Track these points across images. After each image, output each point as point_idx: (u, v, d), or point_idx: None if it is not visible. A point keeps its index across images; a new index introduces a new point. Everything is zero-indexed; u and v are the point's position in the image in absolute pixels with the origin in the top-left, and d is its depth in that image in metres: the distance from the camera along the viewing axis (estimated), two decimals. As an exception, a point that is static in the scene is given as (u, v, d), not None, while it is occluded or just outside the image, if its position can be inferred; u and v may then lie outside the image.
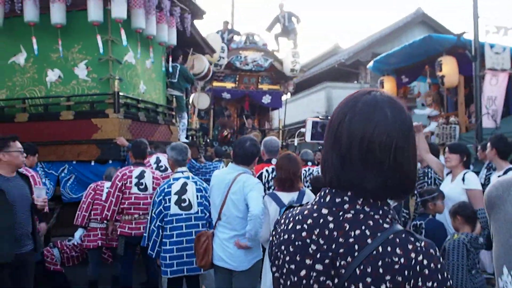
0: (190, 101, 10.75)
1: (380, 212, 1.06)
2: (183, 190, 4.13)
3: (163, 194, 4.12)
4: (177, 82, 8.08)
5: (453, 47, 8.85)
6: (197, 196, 4.12)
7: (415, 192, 3.92)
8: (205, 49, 9.28)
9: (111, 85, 6.22)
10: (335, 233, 1.05)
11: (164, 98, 7.79)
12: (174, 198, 4.09)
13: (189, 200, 4.10)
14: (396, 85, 11.25)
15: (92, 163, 6.05)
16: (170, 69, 7.97)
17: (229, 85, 12.75)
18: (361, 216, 1.05)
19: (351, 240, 1.03)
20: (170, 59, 7.93)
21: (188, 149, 4.56)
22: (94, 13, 6.00)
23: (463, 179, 3.90)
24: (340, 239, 1.04)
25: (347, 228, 1.05)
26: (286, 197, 3.41)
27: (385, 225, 1.05)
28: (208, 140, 12.03)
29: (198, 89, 11.54)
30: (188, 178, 4.25)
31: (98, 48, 6.24)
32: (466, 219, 3.51)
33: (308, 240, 1.08)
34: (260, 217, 3.32)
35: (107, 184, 5.11)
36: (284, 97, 13.91)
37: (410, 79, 10.97)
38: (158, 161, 5.66)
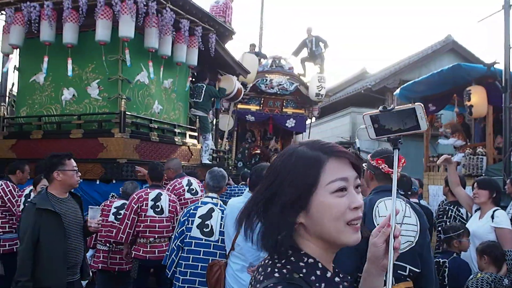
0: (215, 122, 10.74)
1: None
2: (208, 215, 4.07)
3: (188, 215, 4.09)
4: (201, 102, 8.04)
5: (482, 77, 8.66)
6: (220, 224, 4.03)
7: (438, 228, 3.76)
8: (236, 70, 9.22)
9: (119, 105, 6.27)
10: None
11: (186, 119, 7.77)
12: (197, 221, 4.04)
13: (211, 226, 4.03)
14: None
15: (97, 182, 6.07)
16: (188, 88, 7.95)
17: (253, 107, 12.74)
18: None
19: None
20: (190, 79, 7.91)
21: (226, 177, 4.44)
22: (101, 33, 6.10)
23: (492, 217, 3.73)
24: None
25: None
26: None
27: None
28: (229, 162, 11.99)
29: (221, 110, 11.50)
30: (216, 205, 4.19)
31: (116, 68, 6.38)
32: (494, 260, 3.35)
33: None
34: None
35: (116, 203, 5.07)
36: (308, 121, 13.83)
37: (438, 107, 10.77)
38: (189, 183, 5.62)
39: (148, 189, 4.82)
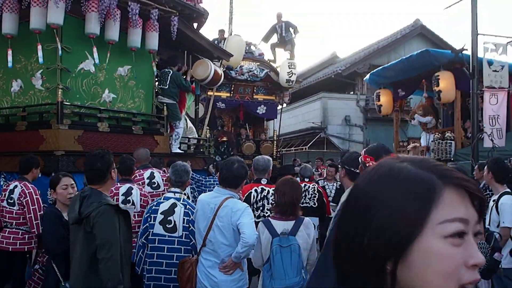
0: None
1: None
2: (170, 210, 3.94)
3: (150, 211, 3.96)
4: (168, 89, 7.70)
5: (450, 62, 8.77)
6: (183, 219, 3.89)
7: None
8: (213, 53, 8.87)
9: (57, 95, 6.03)
10: None
11: (150, 107, 7.50)
12: (159, 217, 3.90)
13: (174, 222, 3.90)
14: (392, 98, 11.17)
15: (39, 175, 5.79)
16: (154, 75, 7.64)
17: (224, 94, 12.59)
18: None
19: None
20: (155, 63, 7.52)
21: (189, 172, 4.30)
22: (35, 21, 5.82)
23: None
24: None
25: None
26: (281, 225, 3.28)
27: None
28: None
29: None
30: (179, 199, 4.06)
31: (54, 57, 6.10)
32: None
33: None
34: (254, 244, 3.21)
35: None
36: (279, 107, 13.79)
37: (407, 92, 10.89)
38: (151, 176, 5.41)
39: (119, 184, 4.67)
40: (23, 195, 4.58)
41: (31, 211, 4.55)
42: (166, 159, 6.85)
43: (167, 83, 7.64)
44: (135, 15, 6.35)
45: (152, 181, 5.36)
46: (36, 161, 4.99)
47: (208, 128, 9.73)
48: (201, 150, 8.91)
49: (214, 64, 9.17)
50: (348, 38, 72.05)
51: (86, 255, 2.85)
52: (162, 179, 5.38)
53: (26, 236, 4.59)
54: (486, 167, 4.46)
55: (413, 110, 11.30)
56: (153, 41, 6.99)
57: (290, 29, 12.85)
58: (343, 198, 4.08)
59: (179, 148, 7.98)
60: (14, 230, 4.60)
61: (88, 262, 2.84)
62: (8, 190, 4.68)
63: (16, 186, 4.66)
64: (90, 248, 2.84)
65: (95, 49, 6.30)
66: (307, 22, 69.08)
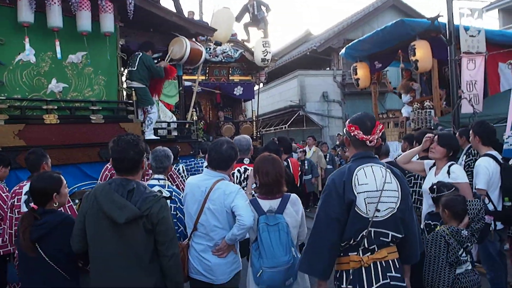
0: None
1: None
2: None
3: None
4: (136, 71, 7.26)
5: (426, 31, 8.72)
6: (171, 207, 3.73)
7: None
8: (190, 29, 8.33)
9: None
10: None
11: (113, 93, 7.08)
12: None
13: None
14: (369, 71, 11.12)
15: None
16: (115, 59, 7.11)
17: (199, 77, 12.34)
18: None
19: None
20: (118, 47, 7.13)
21: (170, 156, 4.14)
22: None
23: (448, 172, 3.70)
24: None
25: None
26: (267, 204, 3.17)
27: None
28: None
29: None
30: (164, 186, 3.91)
31: None
32: (454, 214, 3.33)
33: None
34: (251, 226, 3.11)
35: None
36: (256, 88, 13.62)
37: (384, 64, 10.86)
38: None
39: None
40: None
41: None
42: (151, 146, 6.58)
43: (135, 64, 7.29)
44: None
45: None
46: (3, 158, 4.66)
47: (194, 110, 9.35)
48: (187, 133, 8.52)
49: (196, 42, 8.84)
50: (321, 15, 71.67)
51: (146, 252, 2.61)
52: None
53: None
54: (471, 131, 4.43)
55: (398, 92, 11.32)
56: (107, 23, 6.61)
57: (262, 7, 12.62)
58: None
59: (154, 134, 7.66)
60: None
61: (148, 259, 2.62)
62: None
63: None
64: (150, 245, 2.63)
65: (27, 40, 5.93)
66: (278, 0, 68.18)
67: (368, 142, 2.59)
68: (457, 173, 3.67)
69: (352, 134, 2.63)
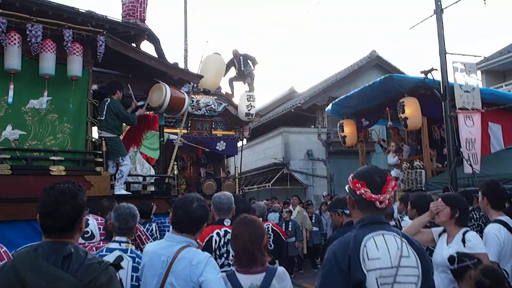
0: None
1: None
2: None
3: (90, 267, 3.14)
4: (104, 120, 6.73)
5: (414, 88, 8.50)
6: (132, 276, 3.12)
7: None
8: (173, 76, 7.73)
9: None
10: None
11: (80, 143, 6.51)
12: (101, 275, 3.10)
13: (121, 280, 3.09)
14: (356, 129, 10.82)
15: None
16: (82, 106, 6.60)
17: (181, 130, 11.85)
18: None
19: None
20: (89, 93, 6.67)
21: (137, 215, 3.57)
22: None
23: (463, 241, 3.15)
24: None
25: None
26: (247, 280, 2.49)
27: None
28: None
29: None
30: (125, 251, 3.27)
31: None
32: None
33: None
34: None
35: None
36: (239, 143, 13.16)
37: (371, 122, 10.58)
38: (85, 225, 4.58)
39: None
40: None
41: None
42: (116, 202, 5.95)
43: (104, 113, 6.76)
44: (35, 37, 5.58)
45: (85, 229, 4.44)
46: None
47: (175, 163, 8.69)
48: (166, 189, 7.83)
49: (181, 89, 8.36)
50: (305, 73, 73.03)
51: None
52: (99, 227, 4.51)
53: None
54: (480, 192, 3.89)
55: (387, 150, 10.99)
56: (75, 67, 6.17)
57: (249, 61, 12.42)
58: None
59: (127, 189, 7.01)
60: None
61: None
62: None
63: None
64: None
65: None
66: (262, 57, 69.38)
67: (378, 203, 2.05)
68: (473, 242, 3.12)
69: (357, 193, 2.09)
